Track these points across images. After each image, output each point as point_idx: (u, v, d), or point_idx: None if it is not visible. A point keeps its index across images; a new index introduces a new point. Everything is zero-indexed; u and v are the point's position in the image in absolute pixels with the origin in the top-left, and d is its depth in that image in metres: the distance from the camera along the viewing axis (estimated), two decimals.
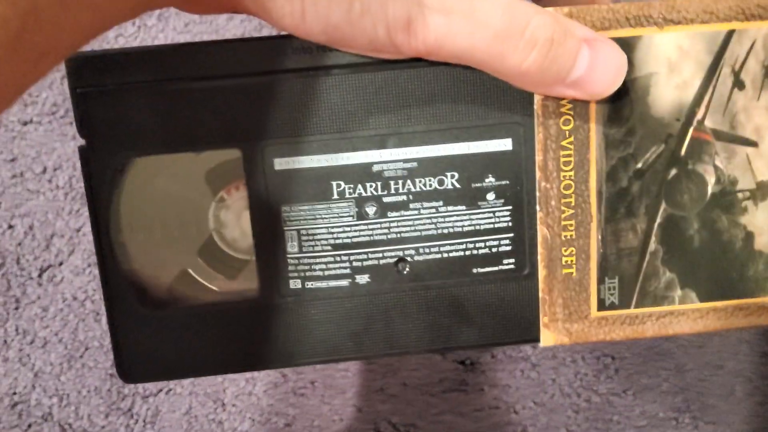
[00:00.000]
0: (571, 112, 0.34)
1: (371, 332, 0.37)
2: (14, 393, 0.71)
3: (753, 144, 0.35)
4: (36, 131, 0.71)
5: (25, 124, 0.71)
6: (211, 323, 0.37)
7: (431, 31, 0.31)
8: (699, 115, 0.35)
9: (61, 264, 0.71)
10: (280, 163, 0.35)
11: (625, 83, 0.33)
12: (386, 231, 0.36)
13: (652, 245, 0.36)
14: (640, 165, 0.35)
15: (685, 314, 0.37)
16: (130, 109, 0.35)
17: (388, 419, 0.75)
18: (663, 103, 0.35)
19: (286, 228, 0.36)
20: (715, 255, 0.36)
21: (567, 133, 0.35)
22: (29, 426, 0.72)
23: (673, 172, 0.35)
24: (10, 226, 0.71)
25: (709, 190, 0.36)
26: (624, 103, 0.35)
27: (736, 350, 0.80)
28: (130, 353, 0.36)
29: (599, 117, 0.34)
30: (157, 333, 0.36)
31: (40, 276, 0.71)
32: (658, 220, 0.36)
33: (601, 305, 0.36)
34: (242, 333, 0.37)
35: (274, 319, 0.37)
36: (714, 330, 0.37)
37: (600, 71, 0.33)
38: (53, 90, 0.72)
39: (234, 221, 0.37)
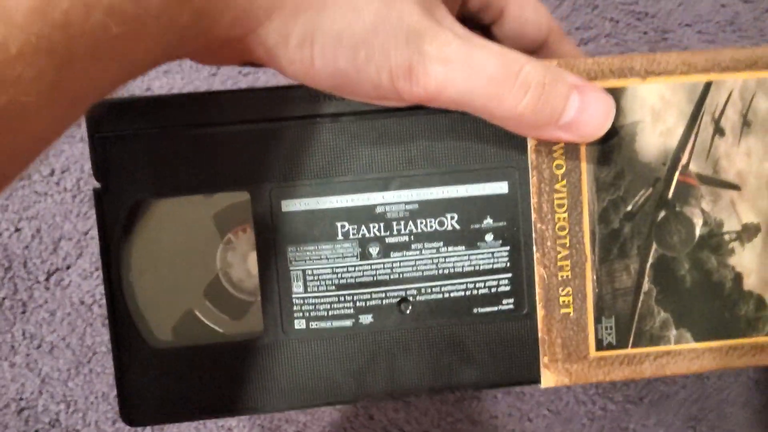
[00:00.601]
0: (563, 157, 0.37)
1: (374, 372, 0.39)
2: (21, 398, 0.72)
3: (736, 188, 0.38)
4: None
5: None
6: (215, 364, 0.38)
7: (431, 78, 0.35)
8: (683, 161, 0.37)
9: (68, 267, 0.72)
10: (287, 205, 0.38)
11: (613, 129, 0.36)
12: (389, 271, 0.38)
13: (646, 285, 0.38)
14: (630, 207, 0.37)
15: (681, 354, 0.39)
16: (145, 154, 0.37)
17: (400, 427, 0.76)
18: (649, 148, 0.37)
19: (291, 268, 0.38)
20: (707, 295, 0.38)
21: (560, 176, 0.37)
22: None
23: (662, 214, 0.38)
24: (17, 229, 0.71)
25: (697, 232, 0.38)
26: (613, 148, 0.37)
27: None
28: (135, 395, 0.38)
29: (590, 161, 0.37)
30: (161, 373, 0.38)
31: (47, 280, 0.71)
32: (650, 260, 0.38)
33: (599, 345, 0.38)
34: (246, 374, 0.38)
35: (278, 360, 0.38)
36: (711, 370, 0.39)
37: (590, 114, 0.36)
38: None
39: (240, 263, 0.39)
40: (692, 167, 0.37)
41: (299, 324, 0.39)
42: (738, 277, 0.38)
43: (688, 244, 0.38)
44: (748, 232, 0.38)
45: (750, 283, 0.38)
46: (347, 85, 0.35)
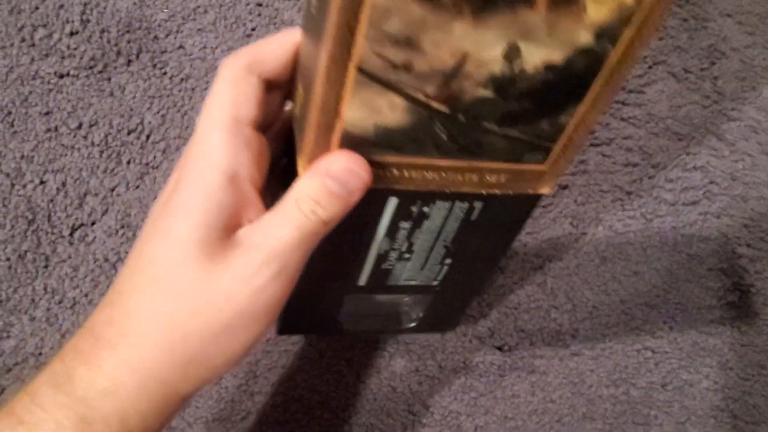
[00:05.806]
0: None
1: None
2: (40, 353, 0.71)
3: None
4: (73, 85, 0.71)
5: (61, 77, 0.71)
6: None
7: None
8: None
9: (93, 223, 0.71)
10: None
11: None
12: None
13: None
14: None
15: None
16: None
17: (422, 401, 0.77)
18: None
19: None
20: None
21: None
22: None
23: None
24: (42, 182, 0.70)
25: None
26: None
27: None
28: None
29: None
30: None
31: (71, 234, 0.70)
32: None
33: None
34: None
35: None
36: None
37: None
38: (92, 43, 0.72)
39: None
40: None
41: None
42: None
43: None
44: None
45: None
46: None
